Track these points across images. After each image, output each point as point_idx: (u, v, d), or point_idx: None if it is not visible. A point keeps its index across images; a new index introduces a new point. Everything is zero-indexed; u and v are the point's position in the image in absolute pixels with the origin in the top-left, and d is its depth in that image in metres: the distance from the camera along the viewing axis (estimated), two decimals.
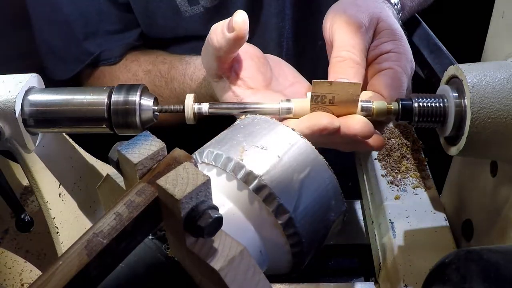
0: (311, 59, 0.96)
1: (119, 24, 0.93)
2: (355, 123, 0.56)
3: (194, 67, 0.83)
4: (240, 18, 0.57)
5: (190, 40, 0.94)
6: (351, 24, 0.62)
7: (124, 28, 0.94)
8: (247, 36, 0.59)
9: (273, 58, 0.71)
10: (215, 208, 0.39)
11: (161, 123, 0.63)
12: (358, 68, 0.60)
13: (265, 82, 0.66)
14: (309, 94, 0.59)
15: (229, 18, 0.59)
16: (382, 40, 0.63)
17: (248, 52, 0.66)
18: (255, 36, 0.93)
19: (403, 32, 0.65)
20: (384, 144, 0.60)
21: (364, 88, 0.61)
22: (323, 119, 0.55)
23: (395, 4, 0.74)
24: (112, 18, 0.92)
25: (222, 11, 0.90)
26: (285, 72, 0.70)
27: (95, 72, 0.95)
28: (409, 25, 1.01)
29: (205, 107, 0.60)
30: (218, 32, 0.59)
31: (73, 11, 0.90)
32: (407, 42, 0.64)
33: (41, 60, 0.95)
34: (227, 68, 0.64)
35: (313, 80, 0.55)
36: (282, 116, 0.59)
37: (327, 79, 0.62)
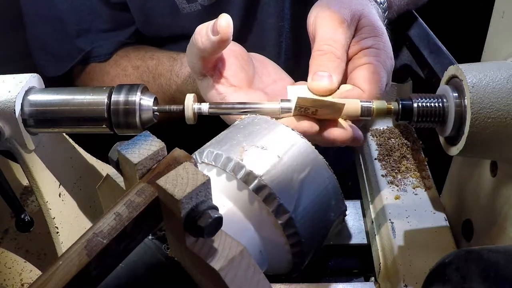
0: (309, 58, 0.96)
1: (111, 23, 0.94)
2: (333, 132, 0.59)
3: (180, 64, 0.84)
4: (225, 22, 0.59)
5: (187, 38, 0.94)
6: (333, 19, 0.63)
7: (117, 27, 0.94)
8: (231, 39, 0.61)
9: (257, 57, 0.73)
10: (215, 208, 0.39)
11: (160, 121, 0.63)
12: (338, 62, 0.61)
13: (248, 80, 0.68)
14: (289, 88, 0.62)
15: (213, 20, 0.60)
16: (363, 36, 0.64)
17: (232, 51, 0.68)
18: (253, 35, 0.94)
19: (384, 29, 0.66)
20: (362, 141, 0.63)
21: (343, 81, 0.63)
22: (304, 124, 0.58)
23: (381, 3, 0.75)
24: (104, 17, 0.93)
25: (219, 9, 0.90)
26: (268, 70, 0.72)
27: (86, 68, 0.95)
28: (409, 25, 1.01)
29: (205, 107, 0.60)
30: (203, 34, 0.61)
31: (66, 8, 0.91)
32: (388, 39, 0.66)
33: (33, 56, 0.95)
34: (211, 67, 0.66)
35: (298, 96, 0.57)
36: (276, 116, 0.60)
37: None
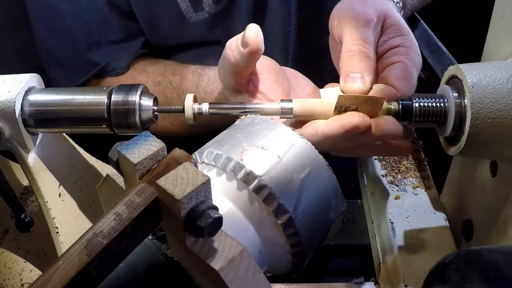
0: (315, 61, 0.96)
1: (122, 33, 0.92)
2: (385, 122, 0.56)
3: (207, 79, 0.82)
4: (253, 32, 0.58)
5: (194, 46, 0.94)
6: (359, 19, 0.62)
7: (128, 36, 0.93)
8: (263, 49, 0.59)
9: (289, 71, 0.72)
10: (215, 208, 0.39)
11: (170, 131, 0.62)
12: (369, 62, 0.60)
13: (284, 94, 0.66)
14: (322, 91, 0.60)
15: (242, 33, 0.59)
16: (391, 35, 0.64)
17: (265, 65, 0.66)
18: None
19: (409, 28, 0.66)
20: (409, 148, 0.61)
21: (375, 81, 0.62)
22: (355, 118, 0.56)
23: (397, 2, 0.74)
24: (115, 27, 0.91)
25: (226, 17, 0.90)
26: (302, 84, 0.71)
27: (101, 83, 0.94)
28: (409, 25, 1.01)
29: (205, 107, 0.60)
30: (234, 48, 0.60)
31: (75, 21, 0.89)
32: (414, 37, 0.65)
33: (45, 70, 0.94)
34: (245, 82, 0.64)
35: (338, 95, 0.56)
36: (303, 119, 0.59)
37: (333, 78, 0.63)
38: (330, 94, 0.60)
